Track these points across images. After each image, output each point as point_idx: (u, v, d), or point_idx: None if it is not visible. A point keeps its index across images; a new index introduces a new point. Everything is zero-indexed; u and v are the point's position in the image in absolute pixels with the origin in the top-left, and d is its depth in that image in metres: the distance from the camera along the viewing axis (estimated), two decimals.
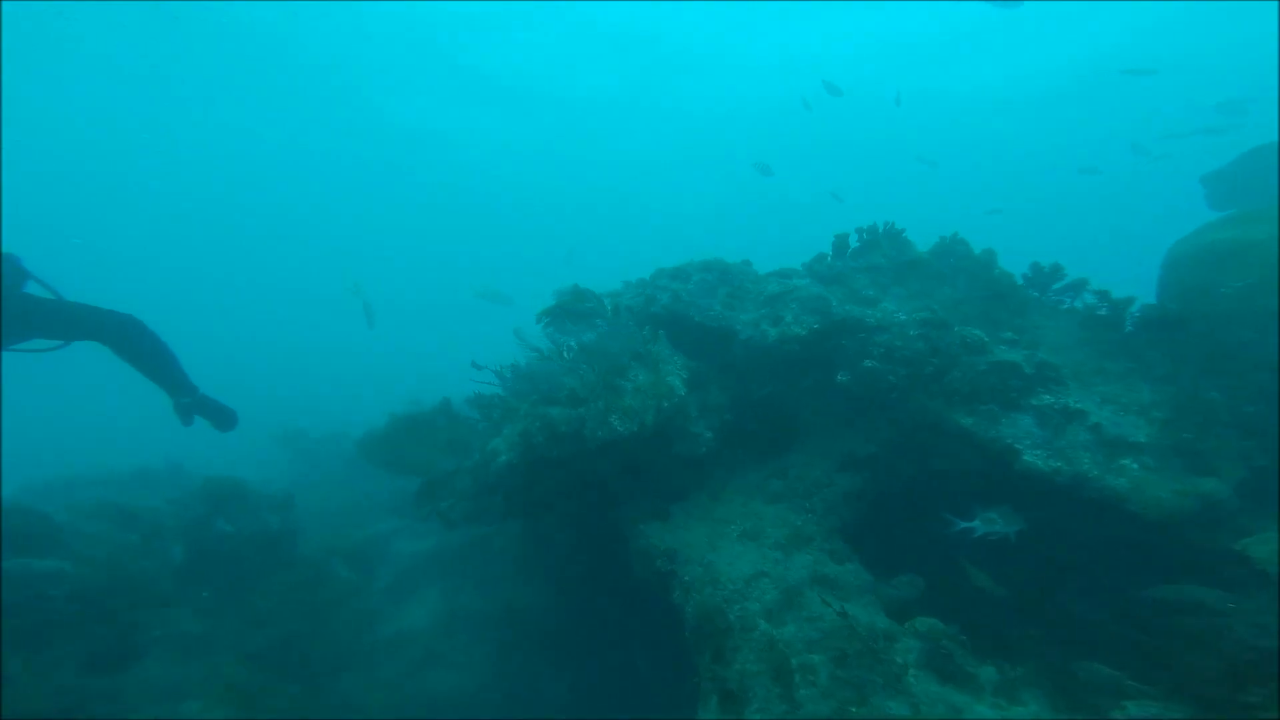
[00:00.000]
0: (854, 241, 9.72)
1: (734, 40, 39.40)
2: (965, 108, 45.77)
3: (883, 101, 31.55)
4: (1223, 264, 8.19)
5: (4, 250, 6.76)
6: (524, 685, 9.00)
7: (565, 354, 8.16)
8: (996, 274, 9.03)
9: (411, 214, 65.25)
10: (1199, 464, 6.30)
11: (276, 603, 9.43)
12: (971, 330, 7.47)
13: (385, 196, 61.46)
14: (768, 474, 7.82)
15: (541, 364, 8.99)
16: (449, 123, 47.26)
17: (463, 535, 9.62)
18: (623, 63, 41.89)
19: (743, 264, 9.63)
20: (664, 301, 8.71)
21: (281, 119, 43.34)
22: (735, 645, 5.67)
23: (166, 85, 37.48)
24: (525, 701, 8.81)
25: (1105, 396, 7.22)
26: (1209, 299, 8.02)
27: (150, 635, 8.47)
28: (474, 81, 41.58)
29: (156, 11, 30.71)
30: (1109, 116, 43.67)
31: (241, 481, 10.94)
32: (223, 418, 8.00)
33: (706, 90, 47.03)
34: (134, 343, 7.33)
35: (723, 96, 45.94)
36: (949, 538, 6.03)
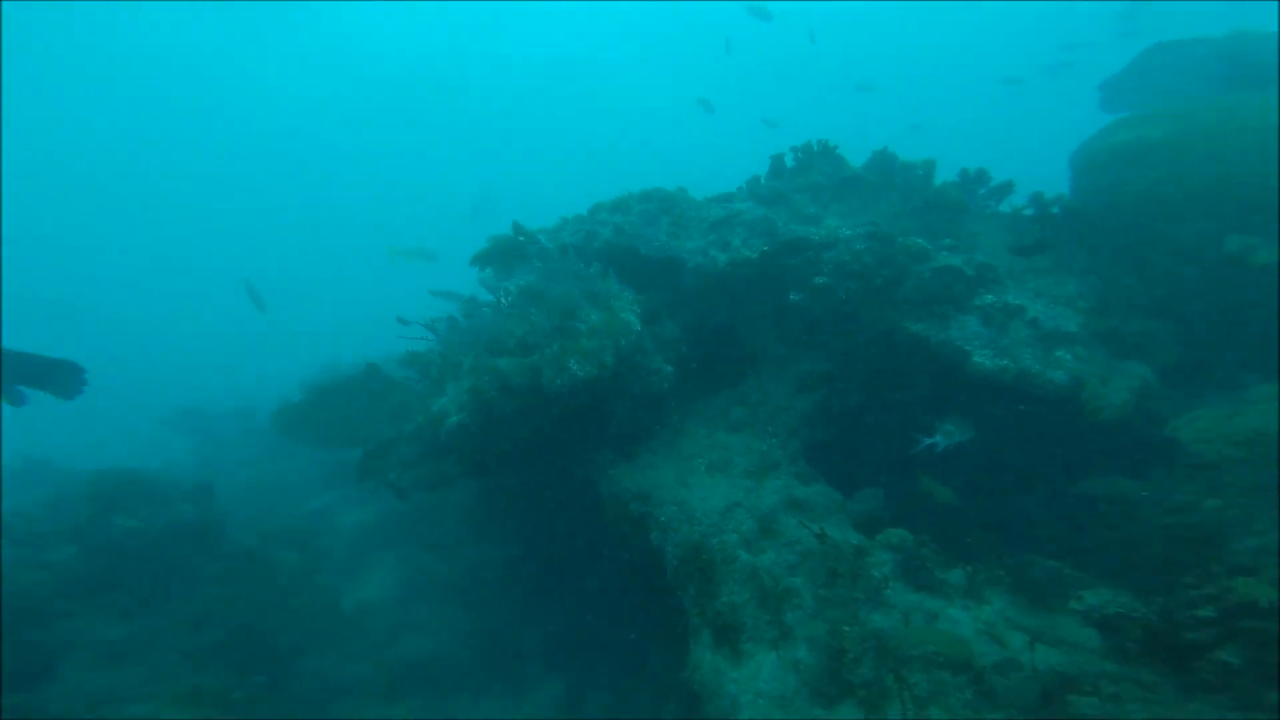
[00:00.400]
0: (790, 161, 9.46)
1: None
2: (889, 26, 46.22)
3: (809, 30, 31.40)
4: (1127, 164, 8.56)
5: None
6: (498, 640, 8.93)
7: (505, 299, 7.49)
8: (930, 184, 9.09)
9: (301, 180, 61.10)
10: (1124, 348, 6.76)
11: (216, 598, 8.64)
12: (914, 240, 7.46)
13: (270, 164, 57.64)
14: (729, 402, 7.74)
15: (481, 313, 8.26)
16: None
17: (412, 501, 9.13)
18: None
19: (680, 191, 9.14)
20: (606, 236, 8.11)
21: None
22: (719, 579, 5.68)
23: None
24: (501, 654, 8.79)
25: (1038, 291, 7.53)
26: (1118, 196, 8.40)
27: (59, 645, 7.60)
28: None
29: None
30: (1024, 28, 45.47)
31: (138, 472, 9.68)
32: (58, 377, 6.61)
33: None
34: None
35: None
36: (908, 451, 6.21)
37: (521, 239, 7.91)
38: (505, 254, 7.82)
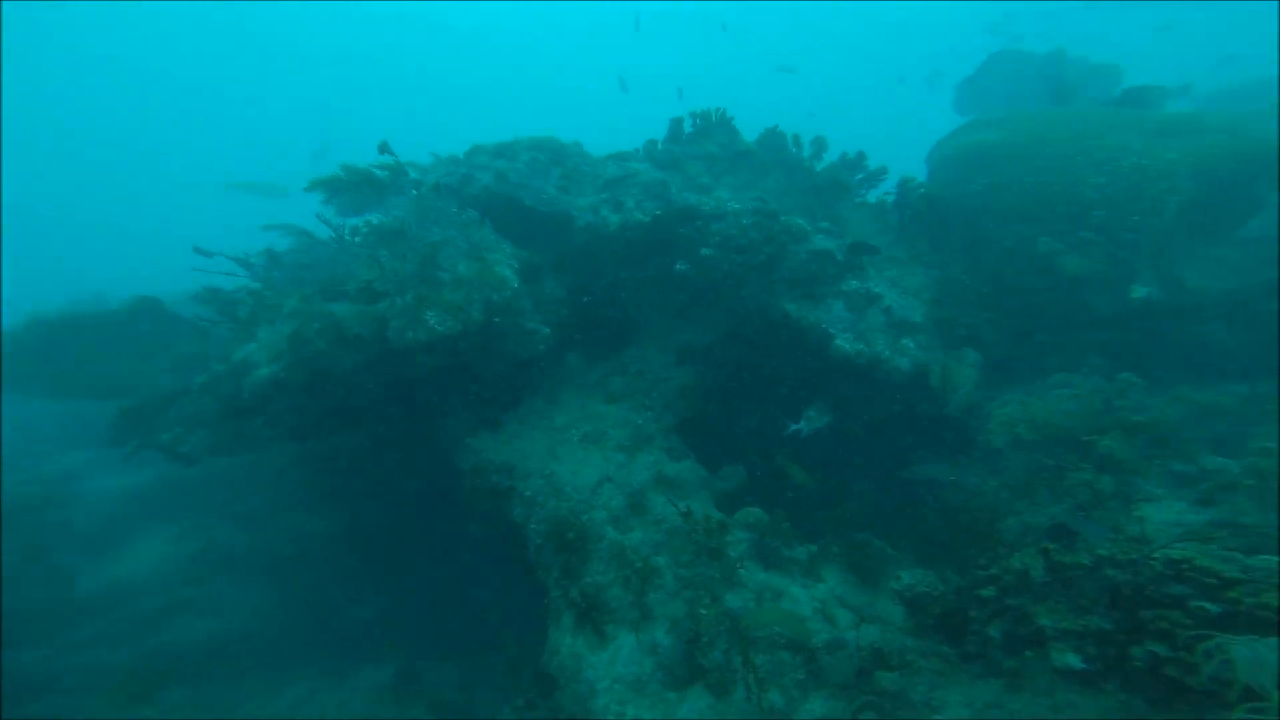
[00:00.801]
0: (689, 127, 9.16)
1: None
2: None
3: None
4: (971, 165, 9.42)
5: None
6: (319, 617, 8.01)
7: (353, 236, 6.36)
8: (815, 166, 9.33)
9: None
10: (957, 338, 7.51)
11: None
12: (795, 219, 7.59)
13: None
14: (608, 371, 7.46)
15: (315, 250, 7.00)
16: None
17: (207, 466, 7.65)
18: None
19: (575, 145, 8.44)
20: (485, 182, 7.20)
21: None
22: (585, 557, 5.51)
23: None
24: (322, 633, 7.88)
25: (893, 280, 8.09)
26: (962, 194, 9.23)
27: None
28: None
29: None
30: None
31: None
32: None
33: None
34: None
35: None
36: (772, 431, 6.43)
37: (382, 173, 6.74)
38: (358, 186, 6.63)
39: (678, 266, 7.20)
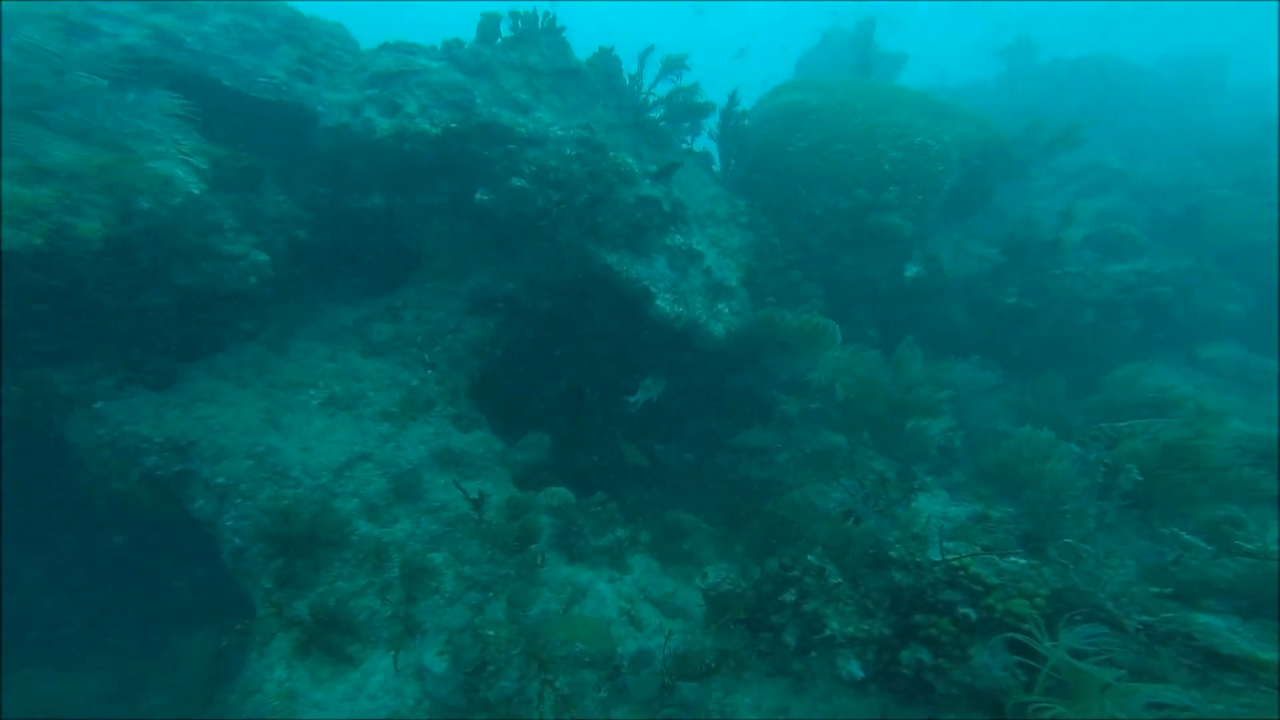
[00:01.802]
0: (506, 29, 7.33)
1: None
2: None
3: None
4: (790, 124, 9.44)
5: None
6: None
7: None
8: (649, 100, 8.35)
9: None
10: (765, 304, 7.55)
11: None
12: (625, 158, 6.64)
13: None
14: (369, 314, 5.85)
15: None
16: None
17: None
18: None
19: (337, 26, 6.10)
20: (132, 41, 4.66)
21: None
22: (320, 560, 4.25)
23: None
24: None
25: (714, 239, 7.78)
26: (778, 155, 9.22)
27: None
28: None
29: None
30: None
31: None
32: None
33: None
34: None
35: None
36: (592, 397, 5.74)
37: None
38: None
39: (479, 196, 5.80)
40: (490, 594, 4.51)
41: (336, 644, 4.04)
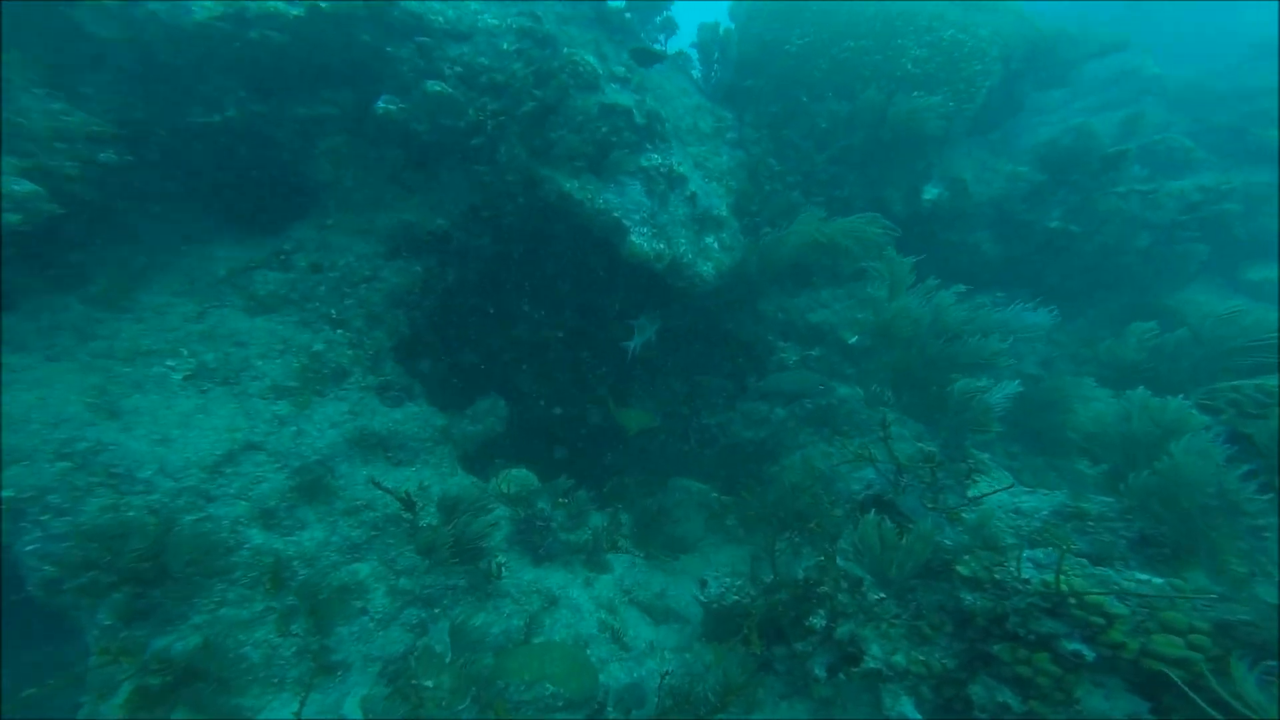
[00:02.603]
0: None
1: None
2: None
3: None
4: (787, 16, 7.87)
5: None
6: None
7: None
8: None
9: None
10: (762, 232, 6.34)
11: None
12: (583, 55, 5.20)
13: None
14: (253, 260, 4.50)
15: None
16: None
17: None
18: None
19: None
20: None
21: None
22: (191, 586, 3.17)
23: None
24: None
25: (698, 159, 6.46)
26: (773, 56, 7.74)
27: None
28: None
29: None
30: None
31: None
32: None
33: None
34: None
35: None
36: (556, 350, 4.61)
37: None
38: None
39: (381, 107, 4.36)
40: (437, 610, 3.51)
41: (204, 697, 3.02)
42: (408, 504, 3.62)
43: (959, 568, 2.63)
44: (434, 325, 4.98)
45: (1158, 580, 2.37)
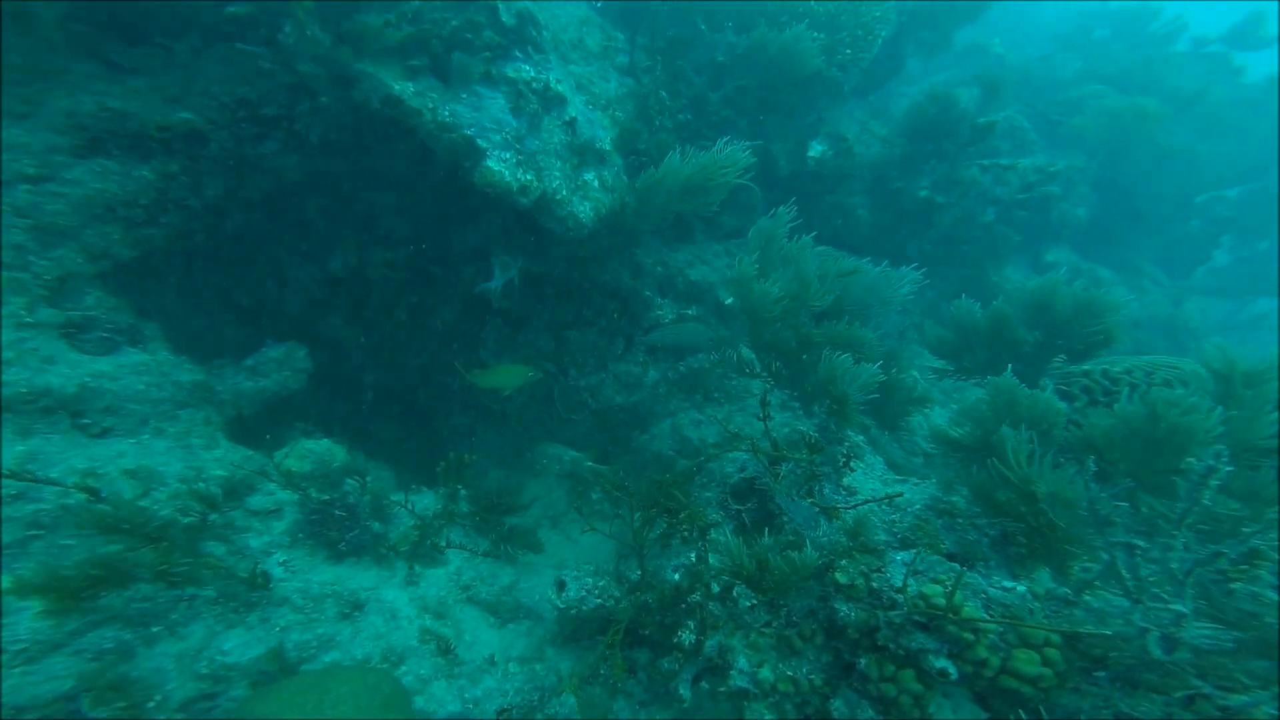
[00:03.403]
0: None
1: None
2: None
3: None
4: None
5: None
6: None
7: None
8: None
9: None
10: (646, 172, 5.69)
11: None
12: None
13: None
14: None
15: None
16: None
17: None
18: None
19: None
20: None
21: None
22: None
23: None
24: None
25: (581, 81, 5.55)
26: None
27: None
28: None
29: None
30: None
31: None
32: None
33: None
34: None
35: None
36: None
37: None
38: None
39: None
40: (157, 628, 2.56)
41: None
42: (94, 493, 2.56)
43: (837, 575, 2.37)
44: (186, 251, 3.67)
45: (1020, 588, 2.28)
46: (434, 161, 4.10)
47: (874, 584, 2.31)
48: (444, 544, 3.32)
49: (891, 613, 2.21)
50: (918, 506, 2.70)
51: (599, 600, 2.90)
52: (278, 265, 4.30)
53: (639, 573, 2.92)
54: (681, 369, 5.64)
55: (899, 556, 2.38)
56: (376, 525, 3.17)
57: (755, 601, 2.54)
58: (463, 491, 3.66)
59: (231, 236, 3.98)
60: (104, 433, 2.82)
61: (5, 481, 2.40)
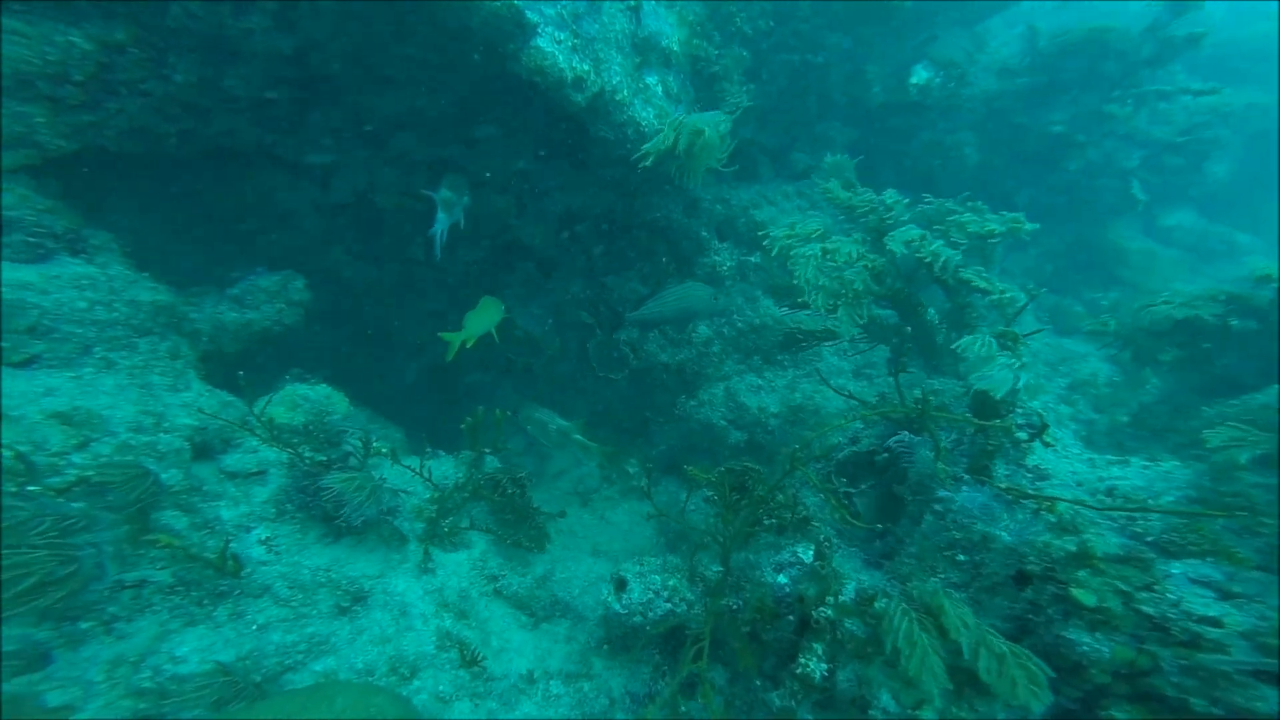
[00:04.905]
0: None
1: None
2: None
3: None
4: None
5: None
6: None
7: None
8: None
9: None
10: (713, 91, 4.76)
11: None
12: None
13: None
14: None
15: None
16: None
17: None
18: None
19: None
20: None
21: None
22: None
23: None
24: None
25: None
26: None
27: None
28: None
29: None
30: None
31: None
32: None
33: None
34: None
35: None
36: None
37: None
38: None
39: None
40: (87, 624, 1.89)
41: None
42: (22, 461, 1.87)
43: (1076, 592, 1.57)
44: (153, 157, 2.91)
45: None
46: (463, 54, 3.25)
47: (1145, 608, 1.51)
48: (466, 523, 2.60)
49: (1214, 655, 1.40)
50: (1172, 497, 1.86)
51: (669, 605, 2.16)
52: (270, 186, 3.54)
53: (718, 569, 2.17)
54: (740, 324, 4.79)
55: (1174, 569, 1.57)
56: (388, 500, 2.46)
57: (912, 618, 1.76)
58: (490, 458, 2.93)
59: (213, 147, 3.22)
60: (28, 361, 2.13)
61: None
